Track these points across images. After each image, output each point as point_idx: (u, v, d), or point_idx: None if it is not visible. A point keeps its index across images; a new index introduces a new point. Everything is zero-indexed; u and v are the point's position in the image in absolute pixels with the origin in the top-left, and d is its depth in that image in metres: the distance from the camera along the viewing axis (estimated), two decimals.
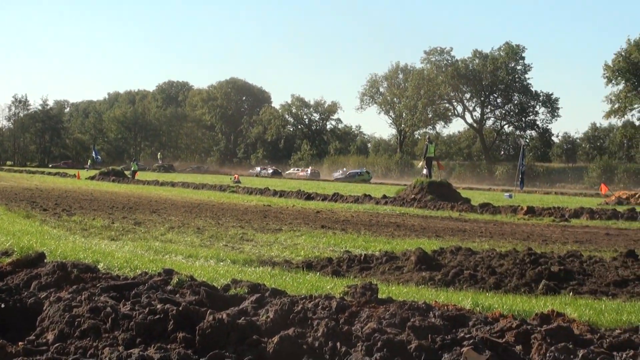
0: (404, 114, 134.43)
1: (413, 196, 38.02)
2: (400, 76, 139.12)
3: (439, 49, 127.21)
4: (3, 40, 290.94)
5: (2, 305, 7.09)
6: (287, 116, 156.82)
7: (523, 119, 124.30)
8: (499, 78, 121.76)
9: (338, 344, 6.00)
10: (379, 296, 8.50)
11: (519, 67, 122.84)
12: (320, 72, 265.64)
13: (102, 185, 52.21)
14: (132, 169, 71.76)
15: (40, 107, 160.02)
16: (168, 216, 23.98)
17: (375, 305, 7.64)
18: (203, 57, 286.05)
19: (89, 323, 6.51)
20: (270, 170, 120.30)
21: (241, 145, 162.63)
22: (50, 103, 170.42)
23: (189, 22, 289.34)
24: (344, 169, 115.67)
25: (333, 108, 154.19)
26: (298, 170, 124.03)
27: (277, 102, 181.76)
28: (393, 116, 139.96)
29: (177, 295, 8.25)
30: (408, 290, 10.31)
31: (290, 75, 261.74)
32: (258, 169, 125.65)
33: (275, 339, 5.96)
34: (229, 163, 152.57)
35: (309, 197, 39.52)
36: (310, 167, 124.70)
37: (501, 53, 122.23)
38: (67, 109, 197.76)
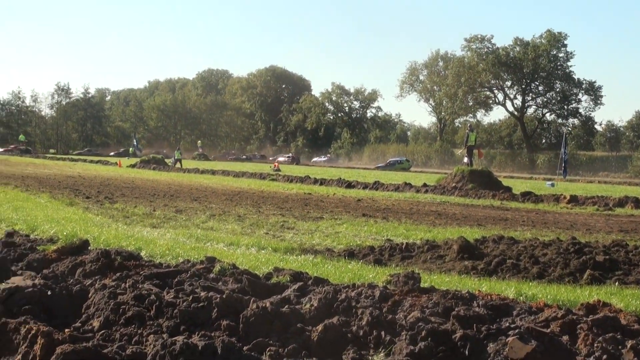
0: (444, 102, 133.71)
1: (454, 185, 37.77)
2: (440, 64, 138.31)
3: (479, 36, 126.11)
4: (46, 29, 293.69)
5: (49, 292, 7.13)
6: (327, 104, 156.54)
7: (565, 107, 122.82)
8: (540, 66, 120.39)
9: (382, 332, 5.96)
10: (422, 285, 8.43)
11: (561, 55, 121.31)
12: (360, 59, 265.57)
13: (143, 173, 52.45)
14: (176, 157, 71.97)
15: (82, 95, 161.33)
16: (209, 204, 24.04)
17: (417, 294, 7.58)
18: (242, 45, 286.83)
19: (133, 310, 6.53)
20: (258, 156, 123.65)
21: (281, 133, 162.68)
22: (92, 91, 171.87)
23: (228, 10, 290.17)
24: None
25: (373, 96, 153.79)
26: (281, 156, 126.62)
27: (317, 90, 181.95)
28: (433, 104, 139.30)
29: (220, 283, 8.25)
30: (450, 280, 10.23)
31: (330, 63, 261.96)
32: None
33: (320, 327, 5.93)
34: (269, 151, 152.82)
35: (349, 185, 39.41)
36: (290, 153, 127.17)
37: (543, 40, 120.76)
38: (108, 97, 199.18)
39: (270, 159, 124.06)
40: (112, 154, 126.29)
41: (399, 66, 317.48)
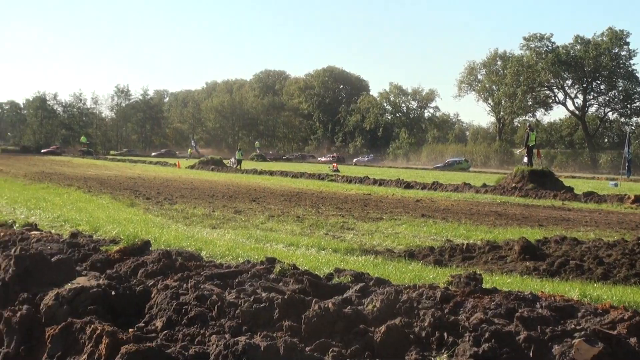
0: (503, 102, 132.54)
1: (514, 185, 37.40)
2: (499, 63, 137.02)
3: (538, 35, 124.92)
4: (105, 31, 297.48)
5: (113, 293, 7.20)
6: (385, 104, 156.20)
7: (628, 105, 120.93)
8: (602, 64, 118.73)
9: (445, 334, 5.92)
10: (483, 286, 8.35)
11: (623, 53, 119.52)
12: (418, 59, 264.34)
13: (202, 174, 52.84)
14: (237, 157, 72.31)
15: (141, 97, 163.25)
16: (268, 205, 24.12)
17: (480, 296, 7.50)
18: (300, 46, 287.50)
19: (195, 311, 6.56)
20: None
21: (339, 134, 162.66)
22: (151, 93, 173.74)
23: (285, 11, 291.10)
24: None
25: (431, 96, 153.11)
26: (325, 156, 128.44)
27: (375, 91, 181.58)
28: (492, 104, 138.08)
29: (281, 284, 8.26)
30: (512, 281, 10.12)
31: (388, 63, 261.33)
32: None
33: (383, 328, 5.90)
34: (327, 152, 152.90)
35: (408, 185, 39.29)
36: (335, 153, 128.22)
37: (604, 38, 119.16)
38: (167, 99, 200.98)
39: (323, 159, 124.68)
40: (153, 154, 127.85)
41: (456, 66, 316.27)
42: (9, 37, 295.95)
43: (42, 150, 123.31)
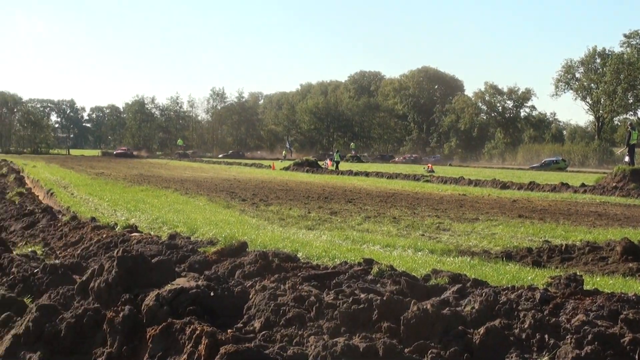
0: (602, 100, 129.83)
1: (614, 184, 36.57)
2: (598, 61, 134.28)
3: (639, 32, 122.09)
4: (202, 35, 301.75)
5: (212, 293, 7.27)
6: (480, 104, 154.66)
7: None
8: None
9: (546, 336, 5.82)
10: (584, 287, 8.19)
11: None
12: (513, 58, 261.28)
13: (297, 176, 53.09)
14: (335, 159, 72.40)
15: (236, 100, 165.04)
16: (363, 206, 24.11)
17: (580, 297, 7.35)
18: (394, 47, 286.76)
19: (293, 312, 6.59)
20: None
21: (434, 134, 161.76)
22: (246, 95, 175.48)
23: (380, 12, 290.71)
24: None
25: (527, 95, 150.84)
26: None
27: (469, 90, 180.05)
28: (590, 102, 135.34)
29: (378, 285, 8.24)
30: (614, 282, 9.90)
31: (483, 63, 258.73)
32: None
33: (482, 330, 5.83)
34: (422, 153, 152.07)
35: (504, 186, 38.80)
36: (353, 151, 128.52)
37: None
38: (261, 101, 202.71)
39: (397, 159, 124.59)
40: (220, 155, 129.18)
41: (553, 64, 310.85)
42: (110, 45, 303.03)
43: (115, 152, 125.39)
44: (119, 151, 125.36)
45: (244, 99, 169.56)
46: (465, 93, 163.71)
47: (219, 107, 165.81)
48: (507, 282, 9.28)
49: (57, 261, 10.22)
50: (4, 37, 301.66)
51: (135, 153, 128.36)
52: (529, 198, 30.42)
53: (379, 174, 53.44)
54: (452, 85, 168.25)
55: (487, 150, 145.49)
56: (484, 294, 6.80)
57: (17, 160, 70.66)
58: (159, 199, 24.82)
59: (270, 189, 32.84)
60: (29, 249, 13.10)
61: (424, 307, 6.18)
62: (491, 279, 9.66)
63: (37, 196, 28.53)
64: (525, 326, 5.94)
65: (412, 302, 6.47)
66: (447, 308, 6.51)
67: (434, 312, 6.12)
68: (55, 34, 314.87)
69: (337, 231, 16.27)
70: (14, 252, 11.24)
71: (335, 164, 69.84)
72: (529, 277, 10.10)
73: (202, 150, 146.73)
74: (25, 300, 8.27)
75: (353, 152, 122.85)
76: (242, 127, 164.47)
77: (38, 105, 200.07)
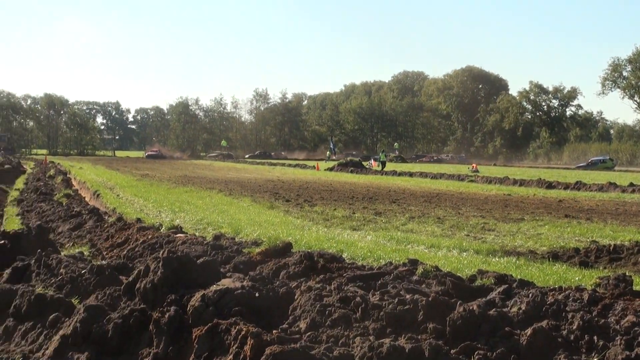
0: None
1: None
2: None
3: None
4: (246, 36, 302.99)
5: (257, 294, 7.28)
6: (525, 103, 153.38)
7: None
8: None
9: (595, 337, 5.74)
10: (634, 288, 8.08)
11: None
12: (559, 57, 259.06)
13: (341, 176, 53.10)
14: (381, 159, 72.23)
15: (279, 101, 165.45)
16: (408, 206, 24.06)
17: (630, 298, 7.25)
18: (438, 47, 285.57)
19: (339, 312, 6.57)
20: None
21: (478, 133, 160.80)
22: (289, 96, 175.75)
23: (423, 12, 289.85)
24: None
25: (573, 94, 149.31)
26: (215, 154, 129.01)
27: (514, 90, 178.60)
28: (638, 101, 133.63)
29: (423, 286, 8.21)
30: None
31: (528, 62, 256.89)
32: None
33: (529, 331, 5.77)
34: (466, 153, 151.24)
35: (549, 185, 38.48)
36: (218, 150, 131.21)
37: None
38: (305, 102, 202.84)
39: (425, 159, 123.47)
40: (247, 156, 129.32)
41: (600, 62, 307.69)
42: (154, 47, 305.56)
43: (147, 154, 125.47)
44: (150, 153, 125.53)
45: (287, 100, 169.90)
46: (510, 92, 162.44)
47: (262, 108, 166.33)
48: (554, 283, 9.21)
49: (103, 262, 10.31)
50: (51, 40, 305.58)
51: (173, 155, 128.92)
52: (575, 198, 30.15)
53: (423, 174, 53.30)
54: (496, 85, 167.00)
55: (532, 149, 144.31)
56: (530, 295, 6.74)
57: (64, 162, 71.46)
58: (204, 200, 24.96)
59: (315, 190, 32.88)
60: (77, 250, 13.23)
61: (470, 308, 6.14)
62: (537, 279, 9.59)
63: (84, 197, 28.85)
64: (574, 327, 5.87)
65: (458, 302, 6.43)
66: (494, 309, 6.45)
67: (480, 313, 6.08)
68: (101, 37, 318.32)
69: (381, 232, 16.26)
70: (62, 253, 11.34)
71: (381, 164, 69.63)
72: (577, 278, 10.01)
73: (245, 152, 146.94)
74: (73, 300, 8.34)
75: (397, 152, 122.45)
76: (286, 128, 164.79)
77: (84, 108, 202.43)
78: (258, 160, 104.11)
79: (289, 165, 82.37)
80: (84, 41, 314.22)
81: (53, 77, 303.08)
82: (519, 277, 9.00)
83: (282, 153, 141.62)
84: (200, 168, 67.60)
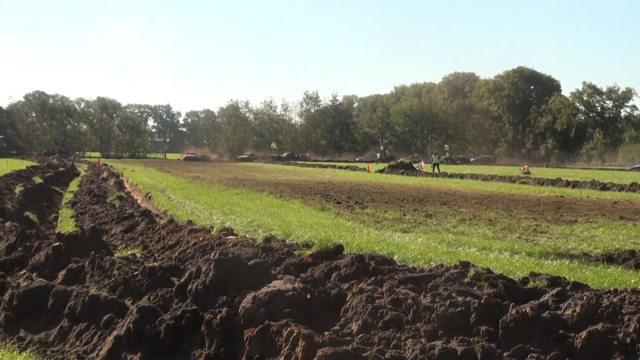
0: None
1: None
2: None
3: None
4: (295, 39, 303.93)
5: (308, 296, 7.28)
6: (578, 104, 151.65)
7: None
8: None
9: None
10: None
11: None
12: (612, 56, 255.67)
13: (391, 178, 52.96)
14: (434, 161, 71.96)
15: (330, 103, 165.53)
16: (458, 208, 23.93)
17: None
18: (489, 47, 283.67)
19: (391, 314, 6.54)
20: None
21: (530, 135, 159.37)
22: (340, 98, 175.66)
23: (474, 13, 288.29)
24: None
25: (627, 94, 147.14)
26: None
27: (567, 90, 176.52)
28: None
29: (475, 288, 8.14)
30: None
31: (580, 62, 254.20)
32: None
33: (584, 334, 5.69)
34: (517, 154, 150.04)
35: (604, 187, 38.01)
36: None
37: None
38: (356, 104, 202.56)
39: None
40: (269, 157, 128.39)
41: None
42: (205, 50, 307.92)
43: (184, 157, 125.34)
44: (187, 155, 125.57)
45: (338, 102, 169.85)
46: (562, 93, 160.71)
47: (313, 111, 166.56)
48: (609, 285, 9.09)
49: (155, 264, 10.38)
50: (105, 44, 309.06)
51: (210, 157, 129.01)
52: (631, 199, 29.74)
53: (473, 176, 52.99)
54: (548, 86, 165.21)
55: (585, 151, 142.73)
56: (585, 297, 6.66)
57: (116, 165, 72.29)
58: (254, 202, 25.04)
59: (365, 192, 32.82)
60: (129, 252, 13.34)
61: (523, 310, 6.08)
62: (592, 282, 9.48)
63: (136, 200, 29.12)
64: (630, 330, 5.79)
65: (511, 305, 6.36)
66: (547, 311, 6.38)
67: (534, 315, 6.01)
68: (153, 40, 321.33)
69: (432, 234, 16.18)
70: (115, 255, 11.45)
71: (434, 166, 69.32)
72: (632, 280, 9.89)
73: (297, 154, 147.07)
74: (126, 302, 8.41)
75: (447, 154, 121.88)
76: (336, 130, 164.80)
77: (136, 111, 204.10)
78: (308, 163, 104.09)
79: (340, 167, 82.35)
80: (136, 45, 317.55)
81: (106, 80, 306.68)
82: (572, 279, 8.91)
83: (307, 154, 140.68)
84: (251, 170, 67.87)
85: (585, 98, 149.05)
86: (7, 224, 16.33)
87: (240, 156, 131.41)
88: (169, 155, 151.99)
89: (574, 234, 16.86)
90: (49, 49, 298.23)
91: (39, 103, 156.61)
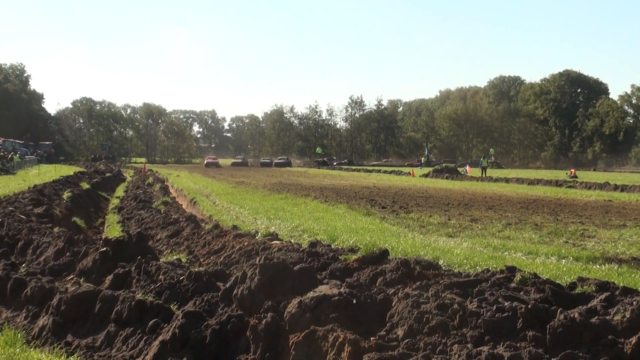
0: None
1: None
2: None
3: None
4: (341, 43, 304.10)
5: (354, 301, 7.26)
6: (626, 107, 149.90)
7: None
8: None
9: None
10: None
11: None
12: None
13: (436, 183, 52.76)
14: (482, 165, 71.65)
15: (375, 107, 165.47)
16: (504, 212, 23.76)
17: None
18: (535, 50, 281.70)
19: (436, 320, 6.50)
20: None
21: (577, 139, 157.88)
22: (385, 103, 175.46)
23: (520, 16, 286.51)
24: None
25: None
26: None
27: (615, 94, 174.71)
28: None
29: (521, 293, 8.08)
30: None
31: (629, 64, 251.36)
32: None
33: (634, 339, 5.62)
34: (564, 158, 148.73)
35: None
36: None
37: None
38: (400, 108, 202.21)
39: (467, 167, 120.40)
40: (315, 162, 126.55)
41: None
42: (250, 55, 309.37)
43: (205, 162, 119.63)
44: (208, 161, 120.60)
45: (382, 107, 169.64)
46: (610, 96, 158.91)
47: (357, 115, 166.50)
48: None
49: (201, 269, 10.42)
50: (150, 50, 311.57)
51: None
52: None
53: (519, 180, 52.59)
54: (595, 89, 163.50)
55: (635, 154, 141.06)
56: (634, 303, 6.56)
57: (161, 170, 72.82)
58: (299, 207, 25.06)
59: (410, 196, 32.72)
60: (175, 257, 13.41)
61: (571, 315, 6.00)
62: None
63: (181, 205, 29.29)
64: None
65: (558, 310, 6.29)
66: (596, 317, 6.30)
67: (582, 320, 5.94)
68: (198, 46, 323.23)
69: (477, 238, 16.08)
70: (161, 260, 11.53)
71: (482, 170, 68.85)
72: None
73: (342, 159, 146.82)
74: (172, 306, 8.45)
75: (492, 158, 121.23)
76: (381, 135, 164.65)
77: (181, 116, 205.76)
78: (354, 167, 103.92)
79: (385, 171, 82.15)
80: (181, 50, 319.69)
81: (152, 86, 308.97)
82: (621, 284, 8.79)
83: (430, 158, 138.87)
84: (295, 175, 67.98)
85: (634, 101, 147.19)
86: (56, 229, 16.51)
87: (263, 159, 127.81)
88: None
89: (623, 238, 16.67)
90: (97, 55, 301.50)
91: (87, 109, 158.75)
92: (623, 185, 41.52)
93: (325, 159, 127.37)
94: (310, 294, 7.38)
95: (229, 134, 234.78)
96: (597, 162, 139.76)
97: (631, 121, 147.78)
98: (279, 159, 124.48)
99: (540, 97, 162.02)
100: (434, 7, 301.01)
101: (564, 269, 11.33)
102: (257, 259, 8.78)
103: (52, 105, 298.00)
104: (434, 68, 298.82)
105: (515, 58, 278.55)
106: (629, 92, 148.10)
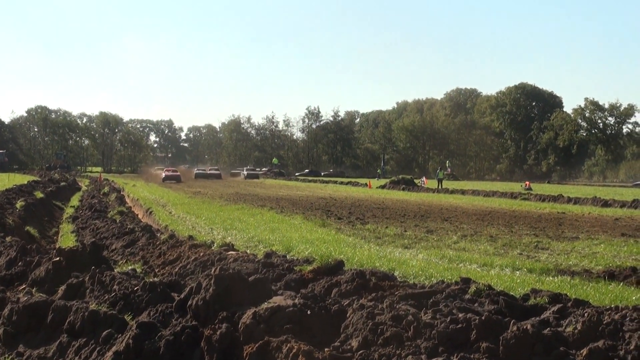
0: None
1: None
2: None
3: None
4: (297, 55, 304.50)
5: (308, 312, 7.26)
6: (579, 120, 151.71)
7: None
8: None
9: None
10: None
11: None
12: (615, 73, 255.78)
13: (393, 194, 52.98)
14: (438, 176, 72.27)
15: (331, 119, 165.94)
16: (460, 224, 23.92)
17: None
18: (491, 63, 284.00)
19: (391, 331, 6.51)
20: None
21: (531, 151, 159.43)
22: (341, 114, 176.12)
23: (474, 29, 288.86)
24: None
25: (630, 111, 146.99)
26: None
27: (569, 107, 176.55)
28: None
29: (476, 305, 8.13)
30: None
31: (582, 78, 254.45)
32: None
33: (584, 351, 5.67)
34: (519, 170, 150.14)
35: (605, 203, 37.99)
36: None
37: None
38: (357, 120, 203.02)
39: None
40: (297, 174, 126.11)
41: None
42: (206, 66, 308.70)
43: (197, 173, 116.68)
44: (167, 174, 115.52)
45: (339, 118, 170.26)
46: (564, 109, 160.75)
47: (314, 126, 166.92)
48: (610, 302, 9.08)
49: (156, 279, 10.36)
50: (107, 59, 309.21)
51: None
52: (632, 216, 29.71)
53: (475, 192, 53.00)
54: (550, 102, 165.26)
55: (587, 167, 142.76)
56: (586, 314, 6.63)
57: (117, 180, 72.47)
58: (255, 217, 25.04)
59: (367, 207, 32.83)
60: (130, 267, 13.31)
61: (524, 327, 6.04)
62: (593, 299, 9.46)
63: (137, 215, 29.13)
64: (631, 348, 5.76)
65: (512, 322, 6.34)
66: (548, 328, 6.36)
67: (534, 332, 5.98)
68: (155, 56, 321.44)
69: (433, 250, 16.18)
70: (116, 270, 11.44)
71: (439, 182, 69.47)
72: (634, 297, 9.88)
73: (298, 169, 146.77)
74: (126, 317, 8.39)
75: (449, 170, 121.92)
76: (338, 146, 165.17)
77: (138, 126, 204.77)
78: (310, 178, 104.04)
79: (341, 182, 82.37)
80: (138, 60, 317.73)
81: (108, 95, 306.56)
82: (573, 296, 8.89)
83: (330, 170, 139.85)
84: (252, 186, 67.92)
85: (587, 114, 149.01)
86: (8, 238, 16.34)
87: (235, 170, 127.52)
88: None
89: (575, 250, 16.85)
90: (52, 64, 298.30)
91: (42, 118, 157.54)
92: (576, 197, 42.00)
93: (281, 169, 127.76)
94: (265, 305, 7.37)
95: (186, 144, 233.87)
96: (551, 174, 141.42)
97: (584, 134, 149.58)
98: (211, 170, 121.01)
99: (496, 110, 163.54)
100: (391, 19, 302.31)
101: (518, 280, 11.43)
102: (213, 269, 8.74)
103: (6, 113, 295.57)
104: (391, 79, 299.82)
105: (471, 70, 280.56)
106: (582, 105, 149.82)
